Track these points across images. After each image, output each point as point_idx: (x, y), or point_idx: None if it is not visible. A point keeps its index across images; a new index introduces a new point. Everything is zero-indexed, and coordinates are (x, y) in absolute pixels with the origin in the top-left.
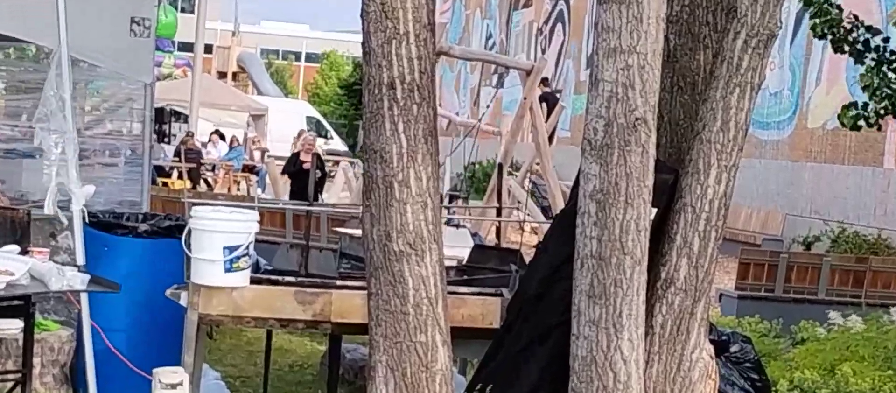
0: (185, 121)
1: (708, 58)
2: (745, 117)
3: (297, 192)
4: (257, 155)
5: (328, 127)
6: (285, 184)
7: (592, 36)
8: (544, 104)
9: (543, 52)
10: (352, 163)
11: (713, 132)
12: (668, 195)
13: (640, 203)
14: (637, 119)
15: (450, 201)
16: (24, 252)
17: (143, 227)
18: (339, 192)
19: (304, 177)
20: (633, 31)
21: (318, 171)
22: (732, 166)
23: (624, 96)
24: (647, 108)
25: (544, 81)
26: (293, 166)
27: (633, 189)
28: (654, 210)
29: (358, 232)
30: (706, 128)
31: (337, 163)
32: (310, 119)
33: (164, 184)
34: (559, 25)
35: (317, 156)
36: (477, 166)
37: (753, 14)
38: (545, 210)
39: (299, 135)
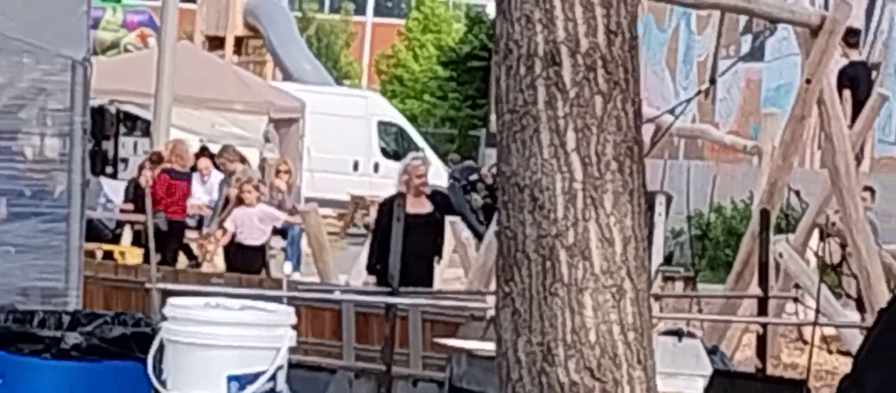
0: (146, 133)
1: None
2: None
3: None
4: (284, 196)
5: (419, 141)
6: (354, 256)
7: None
8: (847, 91)
9: None
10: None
11: None
12: None
13: None
14: None
15: (662, 285)
16: None
17: (73, 338)
18: (444, 267)
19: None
20: None
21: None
22: None
23: None
24: None
25: (849, 40)
26: (387, 222)
27: None
28: None
29: (482, 346)
30: None
31: None
32: (385, 126)
33: (108, 254)
34: None
35: (443, 200)
36: (714, 215)
37: None
38: (857, 302)
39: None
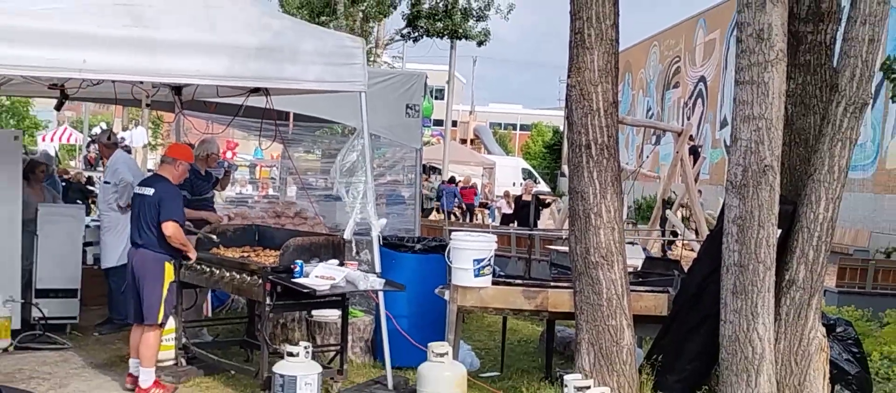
0: (440, 173)
1: (816, 121)
2: (846, 163)
3: (522, 222)
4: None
5: (537, 175)
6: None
7: (730, 106)
8: (691, 156)
9: (688, 118)
10: (554, 200)
11: (822, 174)
12: (789, 220)
13: (769, 226)
14: (766, 166)
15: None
16: (341, 264)
17: (418, 246)
18: (547, 220)
19: (526, 211)
20: (762, 103)
21: (536, 207)
22: (837, 198)
23: (756, 150)
24: (773, 158)
25: (691, 138)
26: (518, 204)
27: (764, 216)
28: (780, 231)
29: (564, 248)
30: (817, 171)
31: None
32: (524, 170)
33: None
34: (699, 100)
35: (535, 196)
36: (643, 200)
37: (851, 88)
38: (695, 232)
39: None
